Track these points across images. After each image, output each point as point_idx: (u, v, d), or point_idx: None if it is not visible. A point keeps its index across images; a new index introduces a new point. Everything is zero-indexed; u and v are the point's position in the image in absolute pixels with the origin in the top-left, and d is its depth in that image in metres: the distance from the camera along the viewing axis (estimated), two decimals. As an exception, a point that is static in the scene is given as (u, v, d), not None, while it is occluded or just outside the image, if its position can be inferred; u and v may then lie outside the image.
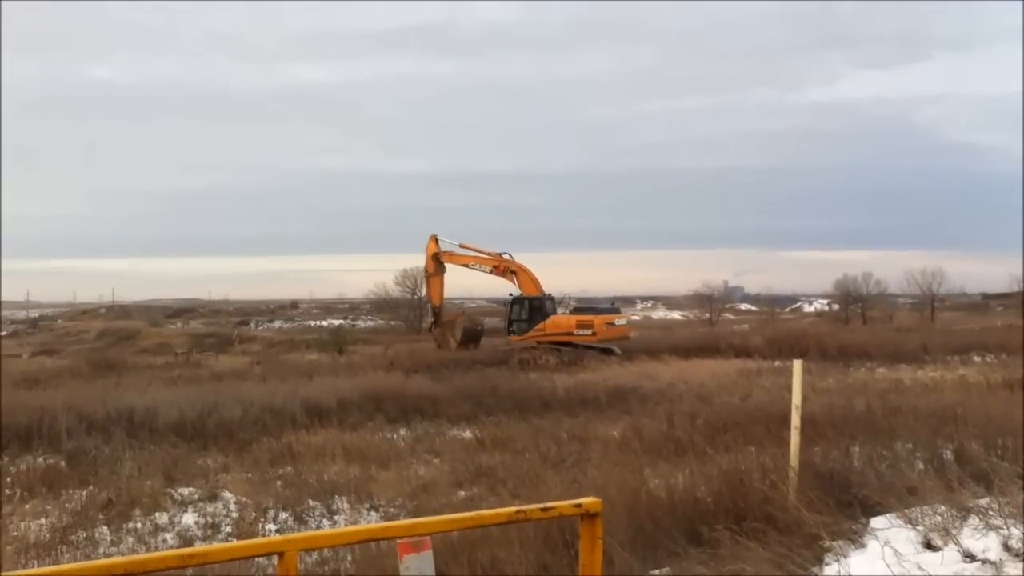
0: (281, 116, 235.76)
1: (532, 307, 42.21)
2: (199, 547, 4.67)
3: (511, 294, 43.79)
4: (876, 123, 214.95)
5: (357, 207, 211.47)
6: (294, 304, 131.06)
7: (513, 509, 3.74)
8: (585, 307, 44.77)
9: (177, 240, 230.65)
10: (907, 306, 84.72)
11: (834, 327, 59.32)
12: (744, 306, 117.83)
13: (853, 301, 77.11)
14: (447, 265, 45.48)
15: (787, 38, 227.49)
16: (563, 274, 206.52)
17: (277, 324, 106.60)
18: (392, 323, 75.40)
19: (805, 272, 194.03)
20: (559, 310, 42.89)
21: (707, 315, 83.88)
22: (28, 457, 17.97)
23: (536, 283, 42.85)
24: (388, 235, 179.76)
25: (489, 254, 44.22)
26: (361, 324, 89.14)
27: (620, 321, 43.27)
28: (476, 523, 3.88)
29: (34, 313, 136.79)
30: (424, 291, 46.40)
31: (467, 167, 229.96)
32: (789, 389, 10.20)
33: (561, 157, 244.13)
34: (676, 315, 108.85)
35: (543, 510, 3.81)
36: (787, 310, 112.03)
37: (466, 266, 46.07)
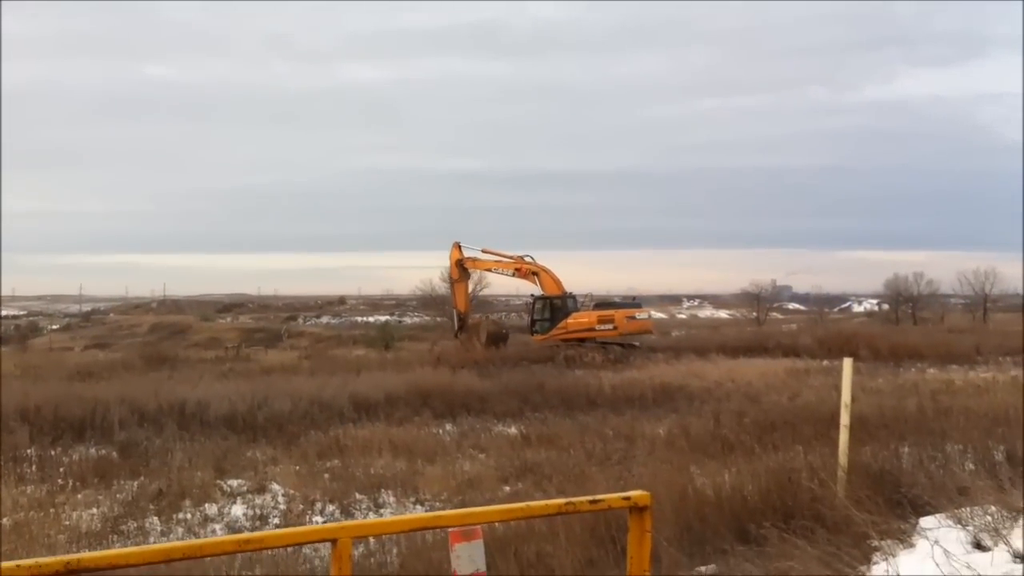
0: (335, 115, 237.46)
1: (553, 306, 42.73)
2: (255, 533, 4.74)
3: (532, 295, 44.40)
4: (933, 123, 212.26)
5: (408, 205, 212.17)
6: (342, 300, 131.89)
7: (563, 501, 3.77)
8: (605, 303, 45.01)
9: (228, 236, 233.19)
10: (959, 307, 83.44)
11: (885, 327, 58.63)
12: (792, 305, 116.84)
13: (904, 301, 76.06)
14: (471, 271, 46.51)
15: (844, 37, 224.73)
16: (611, 273, 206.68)
17: (325, 320, 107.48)
18: (438, 319, 75.46)
19: (856, 272, 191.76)
20: (580, 308, 43.27)
21: (754, 314, 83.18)
22: (81, 448, 18.30)
23: (558, 283, 43.36)
24: (438, 233, 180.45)
25: (511, 257, 44.85)
26: (408, 320, 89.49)
27: (641, 315, 43.45)
28: (526, 514, 3.91)
29: (87, 307, 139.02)
30: (452, 298, 47.05)
31: (520, 166, 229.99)
32: (838, 389, 10.14)
33: (614, 157, 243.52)
34: (723, 314, 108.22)
35: (592, 502, 3.82)
36: (836, 310, 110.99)
37: (489, 270, 47.23)
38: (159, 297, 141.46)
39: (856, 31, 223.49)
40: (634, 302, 45.78)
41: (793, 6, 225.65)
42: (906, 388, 24.55)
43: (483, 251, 45.11)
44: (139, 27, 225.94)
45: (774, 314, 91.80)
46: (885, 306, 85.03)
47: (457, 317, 45.26)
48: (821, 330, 49.41)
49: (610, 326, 40.44)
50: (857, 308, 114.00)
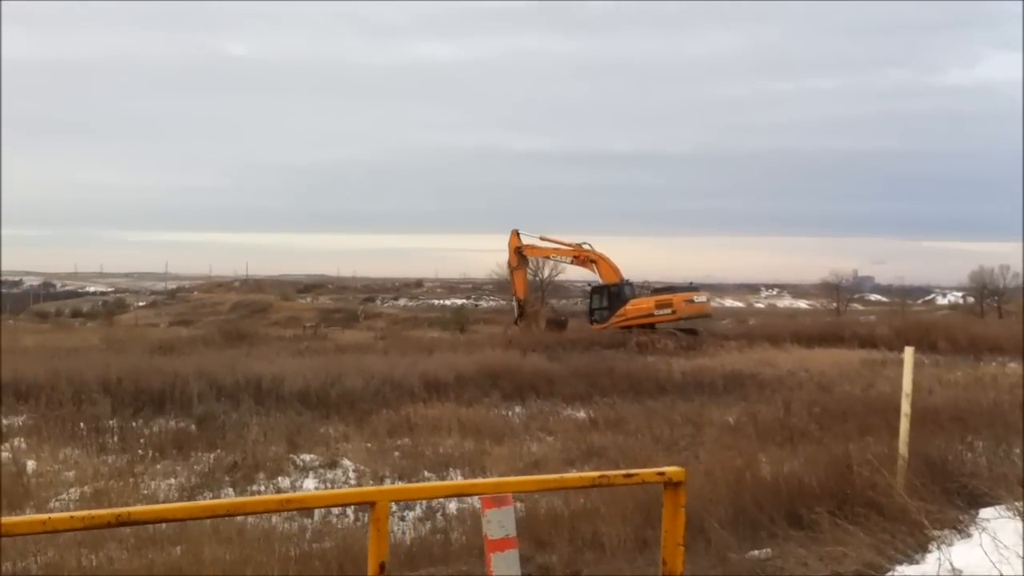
0: (409, 92, 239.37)
1: (611, 294, 43.16)
2: (296, 494, 4.93)
3: (589, 283, 44.84)
4: (1018, 106, 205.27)
5: (481, 184, 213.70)
6: (419, 283, 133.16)
7: (597, 474, 3.88)
8: (663, 287, 45.08)
9: (308, 215, 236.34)
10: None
11: (967, 319, 57.24)
12: (874, 297, 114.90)
13: (989, 294, 74.34)
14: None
15: (925, 16, 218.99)
16: (686, 257, 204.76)
17: (402, 302, 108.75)
18: (513, 303, 75.95)
19: (940, 263, 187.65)
20: (638, 295, 43.65)
21: (834, 304, 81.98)
22: (160, 420, 18.83)
23: (616, 270, 43.79)
24: (511, 213, 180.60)
25: (569, 245, 45.49)
26: (483, 304, 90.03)
27: (699, 298, 43.52)
28: (559, 485, 4.03)
29: (172, 284, 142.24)
30: (511, 285, 47.60)
31: (591, 146, 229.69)
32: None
33: (686, 137, 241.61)
34: (802, 304, 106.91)
35: (626, 476, 3.93)
36: (919, 302, 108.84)
37: (547, 258, 48.06)
38: (241, 276, 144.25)
39: (938, 10, 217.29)
40: (691, 286, 45.74)
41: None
42: (984, 381, 24.09)
43: (541, 238, 45.77)
44: (216, 2, 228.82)
45: (855, 305, 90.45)
46: (970, 299, 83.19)
47: (517, 304, 45.74)
48: (900, 321, 48.53)
49: (668, 310, 40.76)
50: (941, 300, 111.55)
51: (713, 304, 54.47)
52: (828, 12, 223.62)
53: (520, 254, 45.52)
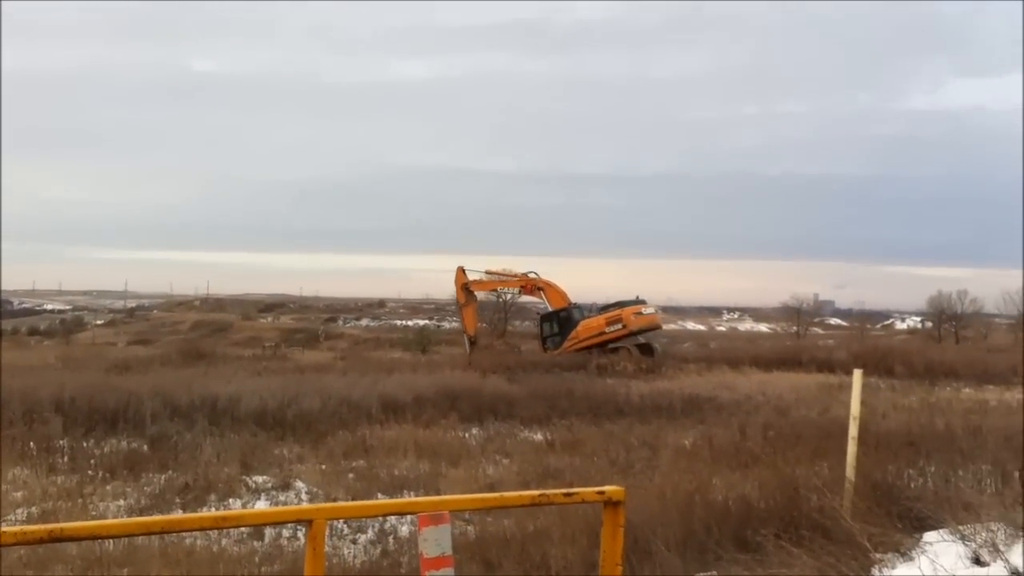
0: (378, 111, 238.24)
1: (561, 319, 44.01)
2: (232, 511, 4.89)
3: (538, 313, 46.51)
4: (979, 132, 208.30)
5: (447, 203, 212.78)
6: (382, 303, 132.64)
7: (536, 492, 3.88)
8: (610, 304, 45.72)
9: (272, 233, 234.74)
10: (1003, 327, 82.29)
11: (924, 345, 57.92)
12: (834, 321, 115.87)
13: (947, 320, 75.22)
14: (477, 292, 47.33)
15: (890, 42, 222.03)
16: (650, 281, 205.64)
17: (364, 322, 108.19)
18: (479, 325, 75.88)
19: (899, 288, 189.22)
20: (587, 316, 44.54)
21: (794, 328, 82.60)
22: (113, 440, 18.63)
23: (563, 295, 44.82)
24: (479, 235, 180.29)
25: (515, 276, 46.35)
26: (446, 325, 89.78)
27: (647, 310, 44.44)
28: (499, 503, 4.03)
29: (131, 303, 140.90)
30: (460, 320, 48.22)
31: (560, 167, 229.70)
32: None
33: (654, 159, 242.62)
34: (763, 327, 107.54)
35: (566, 495, 3.94)
36: (879, 326, 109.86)
37: (495, 291, 48.56)
38: (202, 295, 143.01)
39: (902, 36, 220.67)
40: (638, 299, 46.31)
41: (834, 7, 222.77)
42: (938, 406, 24.33)
43: (487, 272, 46.67)
44: (183, 16, 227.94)
45: (815, 329, 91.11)
46: (928, 324, 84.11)
47: (468, 340, 45.93)
48: (858, 345, 49.04)
49: (619, 325, 41.69)
50: (900, 325, 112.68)
51: (671, 325, 55.38)
52: (794, 37, 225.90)
53: (467, 290, 45.97)
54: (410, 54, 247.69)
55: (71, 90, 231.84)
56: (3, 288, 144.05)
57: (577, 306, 44.96)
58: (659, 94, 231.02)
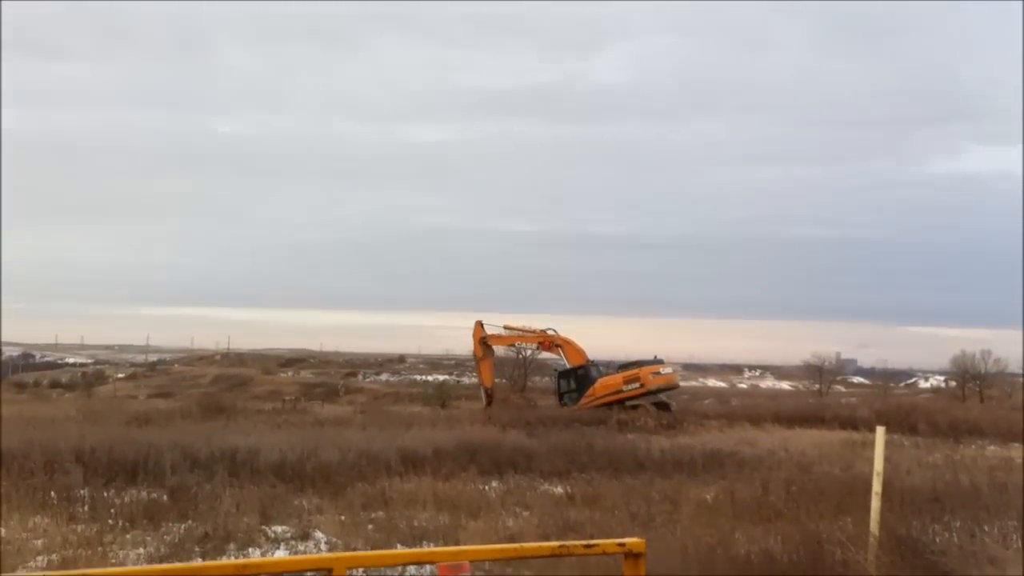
0: (397, 174, 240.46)
1: (578, 376, 44.26)
2: (253, 559, 4.89)
3: (555, 369, 46.77)
4: (1000, 198, 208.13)
5: (469, 266, 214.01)
6: (401, 358, 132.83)
7: (556, 544, 3.86)
8: (629, 363, 45.72)
9: (292, 292, 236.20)
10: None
11: (948, 403, 57.48)
12: (856, 379, 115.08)
13: (971, 379, 74.63)
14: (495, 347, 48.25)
15: (909, 111, 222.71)
16: (671, 340, 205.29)
17: (384, 377, 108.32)
18: (497, 380, 75.79)
19: (922, 347, 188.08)
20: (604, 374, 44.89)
21: (816, 386, 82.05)
22: (133, 490, 18.60)
23: (581, 352, 45.01)
24: (498, 295, 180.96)
25: (534, 331, 46.67)
26: (466, 380, 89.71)
27: (665, 370, 44.74)
28: (518, 554, 4.01)
29: (153, 357, 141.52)
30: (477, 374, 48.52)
31: (579, 230, 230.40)
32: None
33: (674, 223, 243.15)
34: (785, 385, 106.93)
35: (586, 547, 3.91)
36: (902, 385, 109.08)
37: (512, 346, 49.13)
38: (223, 350, 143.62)
39: (921, 105, 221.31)
40: (656, 359, 46.40)
41: (855, 78, 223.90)
42: (963, 464, 24.08)
43: (505, 327, 46.98)
44: (204, 82, 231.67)
45: (837, 387, 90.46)
46: (952, 383, 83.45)
47: (485, 392, 46.07)
48: (881, 403, 48.67)
49: (636, 384, 41.85)
50: (923, 384, 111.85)
51: (692, 382, 55.82)
52: (814, 105, 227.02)
53: (485, 344, 46.22)
54: (428, 119, 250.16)
55: (91, 155, 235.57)
56: (25, 343, 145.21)
57: (595, 363, 45.23)
58: (678, 158, 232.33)
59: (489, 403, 45.61)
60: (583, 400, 42.37)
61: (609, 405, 40.71)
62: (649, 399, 41.67)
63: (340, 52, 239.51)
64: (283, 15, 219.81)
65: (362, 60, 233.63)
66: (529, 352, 62.51)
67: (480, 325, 46.16)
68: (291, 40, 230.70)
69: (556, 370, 47.23)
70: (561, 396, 44.71)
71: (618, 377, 42.93)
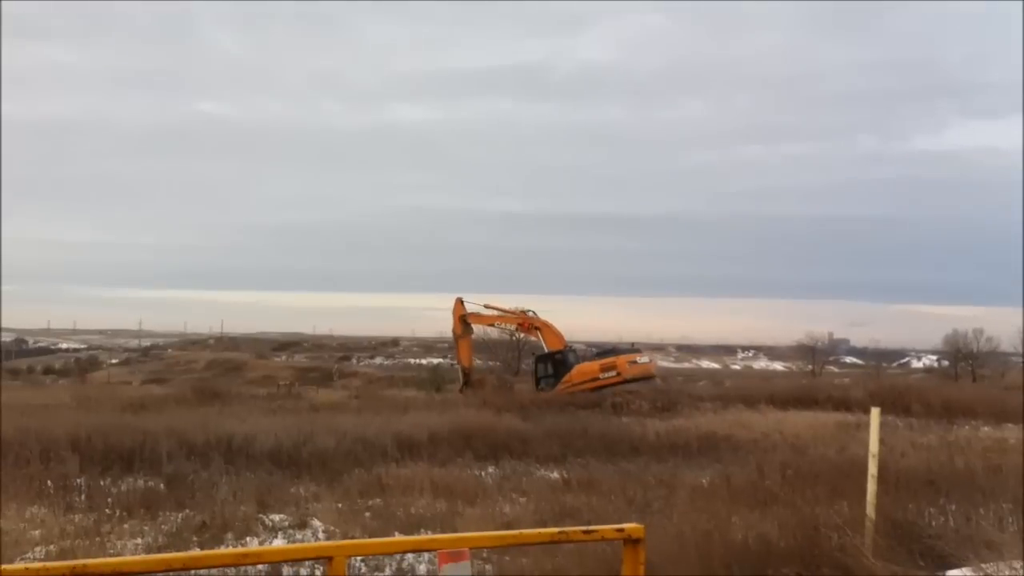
0: (384, 154, 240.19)
1: (556, 361, 44.26)
2: (253, 548, 4.90)
3: (534, 354, 46.98)
4: (986, 173, 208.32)
5: (458, 245, 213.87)
6: (395, 341, 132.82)
7: (556, 530, 3.88)
8: (606, 350, 45.79)
9: (284, 273, 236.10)
10: (1020, 365, 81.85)
11: (941, 383, 57.66)
12: (849, 359, 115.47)
13: (963, 358, 74.90)
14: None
15: (893, 86, 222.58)
16: (663, 319, 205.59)
17: (378, 360, 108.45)
18: (490, 363, 75.76)
19: (915, 327, 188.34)
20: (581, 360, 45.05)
21: (809, 367, 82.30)
22: (129, 479, 18.61)
23: (560, 337, 45.00)
24: (488, 274, 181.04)
25: (514, 312, 46.57)
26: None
27: (642, 359, 44.81)
28: (517, 541, 4.03)
29: (146, 342, 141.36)
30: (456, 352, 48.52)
31: (565, 209, 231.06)
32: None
33: (660, 201, 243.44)
34: (778, 366, 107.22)
35: (585, 532, 3.93)
36: (895, 365, 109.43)
37: (492, 325, 49.10)
38: (216, 334, 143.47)
39: (906, 80, 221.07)
40: (633, 347, 46.59)
41: (839, 54, 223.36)
42: (957, 445, 24.12)
43: (486, 306, 47.01)
44: (191, 63, 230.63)
45: (830, 367, 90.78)
46: (944, 362, 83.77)
47: (462, 371, 45.96)
48: (874, 384, 48.73)
49: (613, 372, 41.97)
50: (916, 364, 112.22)
51: (686, 364, 56.15)
52: (798, 81, 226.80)
53: (464, 322, 46.04)
54: (415, 98, 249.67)
55: (80, 136, 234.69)
56: (18, 328, 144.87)
57: (572, 349, 45.66)
58: (662, 136, 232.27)
59: (466, 383, 45.50)
60: (560, 386, 42.34)
61: (587, 392, 40.76)
62: (625, 388, 41.70)
63: (325, 33, 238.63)
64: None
65: (347, 40, 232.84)
66: (511, 335, 62.58)
67: (460, 302, 45.82)
68: (277, 21, 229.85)
69: (535, 355, 47.29)
70: (538, 380, 44.73)
71: (595, 364, 43.09)
